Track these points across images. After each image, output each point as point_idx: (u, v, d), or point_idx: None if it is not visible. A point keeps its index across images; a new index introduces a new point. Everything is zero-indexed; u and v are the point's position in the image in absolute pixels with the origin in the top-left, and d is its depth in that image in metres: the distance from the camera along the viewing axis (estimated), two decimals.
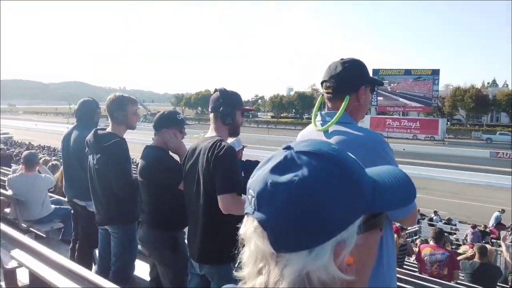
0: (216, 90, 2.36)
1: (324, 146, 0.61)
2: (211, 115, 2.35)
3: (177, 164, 2.65)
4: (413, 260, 6.45)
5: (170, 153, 2.80)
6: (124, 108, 3.03)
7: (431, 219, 15.26)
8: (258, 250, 0.58)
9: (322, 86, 1.67)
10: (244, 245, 0.62)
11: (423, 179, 26.06)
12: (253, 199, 0.59)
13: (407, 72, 55.02)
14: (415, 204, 1.34)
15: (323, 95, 1.69)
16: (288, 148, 0.61)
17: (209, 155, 2.14)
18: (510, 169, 28.79)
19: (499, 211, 15.09)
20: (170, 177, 2.58)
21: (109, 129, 3.08)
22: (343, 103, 1.58)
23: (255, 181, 0.60)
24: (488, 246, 6.43)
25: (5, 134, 41.84)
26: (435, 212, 15.96)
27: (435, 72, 53.61)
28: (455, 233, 13.71)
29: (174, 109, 3.17)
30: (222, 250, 2.22)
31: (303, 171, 0.56)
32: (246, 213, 0.61)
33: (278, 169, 0.58)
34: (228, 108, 2.30)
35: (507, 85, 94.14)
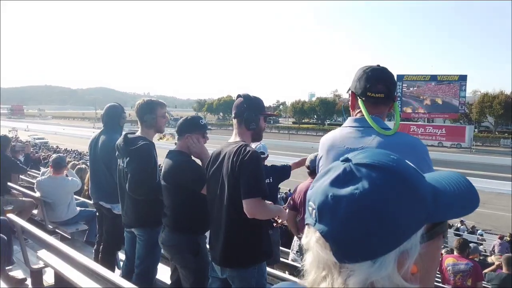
0: (239, 96, 2.39)
1: (383, 157, 0.61)
2: (235, 121, 2.38)
3: (200, 168, 2.67)
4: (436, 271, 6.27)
5: (193, 157, 2.82)
6: (153, 111, 3.10)
7: (457, 229, 14.86)
8: (320, 258, 0.59)
9: (366, 89, 1.62)
10: (305, 253, 0.63)
11: None
12: (314, 211, 0.60)
13: (433, 78, 53.92)
14: None
15: (362, 99, 1.63)
16: (347, 160, 0.61)
17: (234, 159, 2.15)
18: None
19: None
20: (193, 182, 2.60)
21: (138, 133, 3.14)
22: (396, 109, 1.67)
23: (315, 193, 0.61)
24: None
25: (40, 139, 43.53)
26: (462, 222, 15.51)
27: (462, 78, 52.33)
28: (481, 244, 13.27)
29: (196, 114, 3.22)
30: (244, 254, 2.25)
31: (363, 184, 0.56)
32: (307, 224, 0.62)
33: (338, 182, 0.59)
34: (252, 113, 2.33)
35: None
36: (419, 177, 0.61)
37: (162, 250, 2.96)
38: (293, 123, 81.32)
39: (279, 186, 5.09)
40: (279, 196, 8.69)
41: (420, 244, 0.57)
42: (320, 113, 77.87)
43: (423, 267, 0.59)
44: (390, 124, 1.69)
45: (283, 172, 4.39)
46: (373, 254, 0.55)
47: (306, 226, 0.63)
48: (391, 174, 0.58)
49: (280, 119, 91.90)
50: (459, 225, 15.25)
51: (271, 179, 4.29)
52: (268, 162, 4.35)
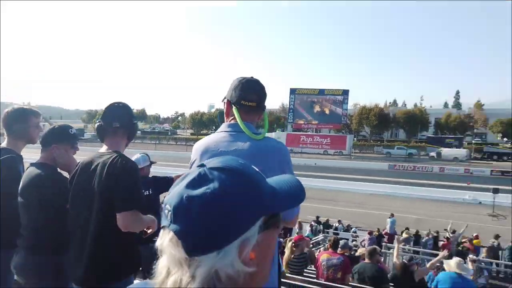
0: (116, 104, 2.33)
1: (233, 162, 0.71)
2: (110, 129, 2.29)
3: (63, 181, 2.44)
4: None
5: (59, 170, 2.61)
6: (25, 120, 2.78)
7: (336, 228, 16.49)
8: (172, 258, 0.65)
9: (240, 97, 1.76)
10: (159, 257, 0.68)
11: (332, 192, 27.98)
12: (169, 213, 0.65)
13: (321, 92, 58.75)
14: (299, 208, 1.58)
15: (236, 107, 1.77)
16: (202, 165, 0.70)
17: (110, 171, 2.05)
18: (405, 180, 32.33)
19: (390, 217, 16.84)
20: (53, 195, 2.38)
21: (4, 144, 2.78)
22: (265, 117, 1.86)
23: (171, 196, 0.67)
24: (378, 248, 6.94)
25: None
26: (339, 221, 17.27)
27: (345, 92, 58.05)
28: (355, 240, 15.00)
29: (66, 124, 2.89)
30: (108, 272, 2.13)
31: (214, 184, 0.65)
32: (163, 227, 0.68)
33: (192, 184, 0.66)
34: (133, 121, 2.34)
35: (405, 105, 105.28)
36: (260, 179, 0.72)
37: (15, 276, 2.57)
38: (192, 134, 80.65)
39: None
40: None
41: (258, 234, 0.67)
42: (219, 125, 78.49)
43: (260, 253, 0.68)
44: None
45: (164, 184, 4.34)
46: (219, 245, 0.63)
47: (162, 229, 0.68)
48: (238, 175, 0.68)
49: (178, 131, 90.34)
50: (336, 224, 16.95)
51: (150, 191, 4.24)
52: (160, 173, 4.32)
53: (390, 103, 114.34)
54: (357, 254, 8.64)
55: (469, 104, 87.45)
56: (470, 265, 8.22)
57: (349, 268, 5.35)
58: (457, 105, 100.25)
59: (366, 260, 5.52)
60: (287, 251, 6.38)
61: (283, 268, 5.98)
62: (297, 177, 0.84)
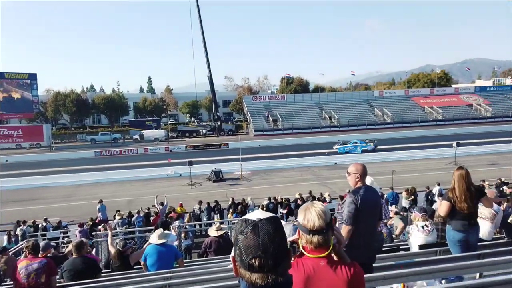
0: None
1: None
2: None
3: None
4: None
5: None
6: None
7: (44, 228, 14.79)
8: None
9: None
10: None
11: (32, 190, 24.62)
12: None
13: (1, 75, 49.43)
14: None
15: None
16: None
17: None
18: (113, 165, 32.49)
19: (99, 203, 16.65)
20: None
21: None
22: None
23: None
24: (85, 240, 6.59)
25: None
26: (45, 220, 15.52)
27: (32, 76, 51.37)
28: (67, 236, 13.99)
29: None
30: None
31: None
32: None
33: None
34: None
35: (103, 90, 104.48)
36: None
37: None
38: None
39: None
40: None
41: None
42: None
43: None
44: None
45: None
46: None
47: None
48: None
49: None
50: (44, 223, 15.17)
51: None
52: None
53: (87, 88, 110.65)
54: (67, 251, 8.10)
55: (161, 89, 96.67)
56: (173, 232, 9.26)
57: (54, 269, 5.05)
58: (151, 89, 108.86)
59: (74, 255, 5.29)
60: None
61: None
62: None
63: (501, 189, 13.73)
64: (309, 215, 1.84)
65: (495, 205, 5.38)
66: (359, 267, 1.88)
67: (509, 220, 5.34)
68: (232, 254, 1.37)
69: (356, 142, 34.08)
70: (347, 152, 33.08)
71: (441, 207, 4.39)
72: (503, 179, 16.29)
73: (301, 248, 1.87)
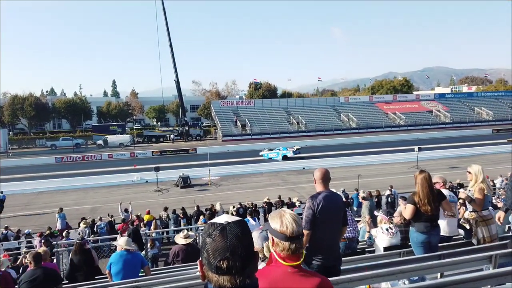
0: None
1: None
2: None
3: None
4: None
5: None
6: None
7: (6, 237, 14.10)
8: None
9: None
10: None
11: None
12: None
13: None
14: None
15: None
16: None
17: None
18: (75, 171, 31.33)
19: (58, 212, 16.02)
20: None
21: None
22: None
23: None
24: (43, 249, 6.41)
25: None
26: (6, 228, 14.79)
27: None
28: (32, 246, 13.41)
29: None
30: None
31: None
32: None
33: None
34: None
35: (65, 94, 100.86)
36: None
37: None
38: None
39: None
40: None
41: None
42: None
43: None
44: None
45: None
46: None
47: None
48: None
49: None
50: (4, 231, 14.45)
51: None
52: None
53: (47, 91, 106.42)
54: (25, 262, 7.77)
55: (126, 93, 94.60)
56: (149, 245, 9.09)
57: (11, 283, 4.80)
58: (116, 93, 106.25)
59: (32, 266, 5.05)
60: None
61: None
62: None
63: (456, 191, 14.48)
64: (286, 221, 1.83)
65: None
66: (325, 277, 1.89)
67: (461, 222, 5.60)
68: (200, 258, 1.35)
69: (279, 149, 35.05)
70: (270, 159, 34.26)
71: (406, 210, 4.52)
72: (458, 180, 17.10)
73: (269, 256, 1.87)
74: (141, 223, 13.72)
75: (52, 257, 8.57)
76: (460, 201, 5.52)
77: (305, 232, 3.29)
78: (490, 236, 4.74)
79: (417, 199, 4.36)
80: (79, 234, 6.33)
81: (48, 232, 13.17)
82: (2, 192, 20.75)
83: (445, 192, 5.07)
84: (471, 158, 29.23)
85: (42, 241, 10.61)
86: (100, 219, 14.85)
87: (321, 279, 1.83)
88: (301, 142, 43.73)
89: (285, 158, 33.49)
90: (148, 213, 15.48)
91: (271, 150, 35.40)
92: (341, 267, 3.64)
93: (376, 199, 15.95)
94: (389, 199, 16.04)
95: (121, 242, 5.54)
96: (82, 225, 13.95)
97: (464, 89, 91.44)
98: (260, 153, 35.41)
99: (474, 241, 4.89)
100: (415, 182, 4.45)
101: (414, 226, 4.48)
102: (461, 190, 5.66)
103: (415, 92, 79.77)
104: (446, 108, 62.62)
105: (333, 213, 3.51)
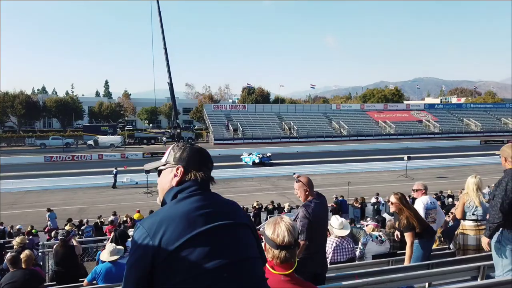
0: None
1: None
2: None
3: None
4: None
5: None
6: None
7: None
8: None
9: None
10: None
11: None
12: None
13: None
14: None
15: None
16: None
17: None
18: (64, 171, 30.96)
19: (47, 211, 15.78)
20: None
21: None
22: None
23: None
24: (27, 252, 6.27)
25: None
26: None
27: None
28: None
29: None
30: None
31: None
32: None
33: None
34: None
35: (56, 92, 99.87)
36: None
37: None
38: None
39: None
40: None
41: None
42: None
43: None
44: None
45: None
46: None
47: None
48: None
49: None
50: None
51: None
52: None
53: (38, 90, 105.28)
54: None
55: (119, 94, 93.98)
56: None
57: None
58: (108, 94, 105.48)
59: (12, 269, 4.95)
60: None
61: None
62: None
63: (443, 201, 14.64)
64: (279, 230, 1.81)
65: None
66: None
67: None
68: None
69: (250, 154, 35.48)
70: (245, 163, 34.79)
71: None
72: (449, 192, 17.32)
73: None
74: (130, 224, 13.62)
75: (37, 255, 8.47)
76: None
77: (302, 242, 3.26)
78: (467, 245, 4.62)
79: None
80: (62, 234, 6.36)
81: (29, 229, 13.04)
82: None
83: (424, 198, 5.09)
84: (458, 168, 29.62)
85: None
86: (87, 222, 14.65)
87: None
88: (292, 148, 43.83)
89: (253, 163, 33.76)
90: (138, 212, 15.37)
91: (249, 154, 35.71)
92: (332, 274, 3.66)
93: (360, 206, 16.07)
94: (375, 206, 16.16)
95: (105, 255, 5.34)
96: (67, 227, 13.75)
97: (454, 100, 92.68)
98: (241, 157, 35.90)
99: (452, 246, 4.99)
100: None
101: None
102: (450, 199, 5.75)
103: (405, 102, 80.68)
104: (435, 118, 63.41)
105: (324, 219, 3.53)
